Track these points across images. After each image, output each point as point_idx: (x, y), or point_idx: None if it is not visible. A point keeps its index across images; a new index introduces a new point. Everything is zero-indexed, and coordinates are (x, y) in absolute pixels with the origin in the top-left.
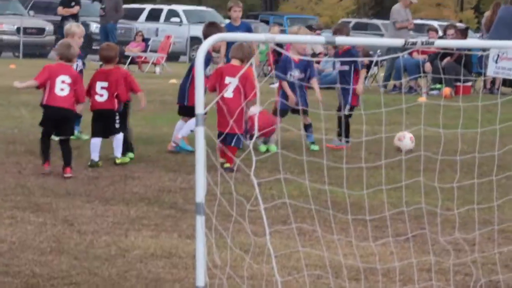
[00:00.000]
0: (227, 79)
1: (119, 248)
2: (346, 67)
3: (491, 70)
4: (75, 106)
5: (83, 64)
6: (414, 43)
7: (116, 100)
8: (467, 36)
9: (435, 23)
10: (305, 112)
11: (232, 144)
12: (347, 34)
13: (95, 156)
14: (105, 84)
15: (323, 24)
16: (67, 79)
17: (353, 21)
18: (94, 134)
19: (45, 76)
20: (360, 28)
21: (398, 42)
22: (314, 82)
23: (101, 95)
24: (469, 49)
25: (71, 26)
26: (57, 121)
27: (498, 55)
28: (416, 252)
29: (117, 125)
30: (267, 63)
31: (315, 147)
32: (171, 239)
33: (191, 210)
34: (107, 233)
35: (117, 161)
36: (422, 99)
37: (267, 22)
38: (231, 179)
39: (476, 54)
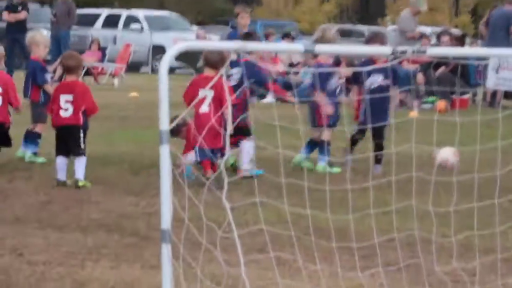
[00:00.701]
0: (201, 92)
1: (74, 281)
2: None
3: (492, 82)
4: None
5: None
6: (404, 52)
7: (81, 116)
8: (464, 44)
9: (428, 29)
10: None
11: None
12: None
13: (62, 176)
14: (70, 97)
15: (302, 31)
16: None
17: (335, 27)
18: (59, 152)
19: None
20: (344, 34)
21: (385, 50)
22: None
23: (66, 109)
24: (466, 58)
25: (35, 34)
26: None
27: (499, 65)
28: (409, 283)
29: (82, 145)
30: None
31: (334, 169)
32: (133, 270)
33: (156, 237)
34: (61, 264)
35: (80, 183)
36: (414, 113)
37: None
38: (200, 202)
39: (474, 63)
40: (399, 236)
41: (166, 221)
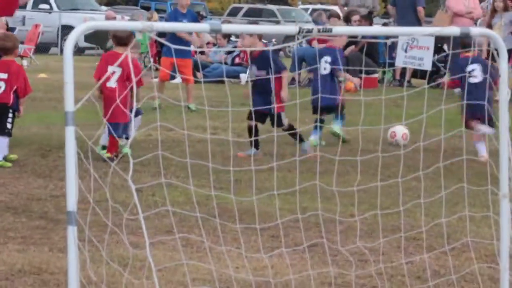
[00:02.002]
0: (110, 68)
1: None
2: (263, 72)
3: (400, 60)
4: None
5: None
6: (310, 30)
7: (12, 95)
8: (372, 22)
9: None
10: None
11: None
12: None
13: None
14: (5, 75)
15: (212, 11)
16: None
17: (246, 6)
18: None
19: None
20: (254, 14)
21: (292, 29)
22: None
23: None
24: (375, 37)
25: None
26: None
27: (408, 43)
28: (316, 263)
29: (8, 125)
30: (148, 55)
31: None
32: (41, 253)
33: (64, 220)
34: None
35: None
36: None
37: (148, 9)
38: (107, 185)
39: (382, 42)
40: (307, 217)
41: (71, 203)
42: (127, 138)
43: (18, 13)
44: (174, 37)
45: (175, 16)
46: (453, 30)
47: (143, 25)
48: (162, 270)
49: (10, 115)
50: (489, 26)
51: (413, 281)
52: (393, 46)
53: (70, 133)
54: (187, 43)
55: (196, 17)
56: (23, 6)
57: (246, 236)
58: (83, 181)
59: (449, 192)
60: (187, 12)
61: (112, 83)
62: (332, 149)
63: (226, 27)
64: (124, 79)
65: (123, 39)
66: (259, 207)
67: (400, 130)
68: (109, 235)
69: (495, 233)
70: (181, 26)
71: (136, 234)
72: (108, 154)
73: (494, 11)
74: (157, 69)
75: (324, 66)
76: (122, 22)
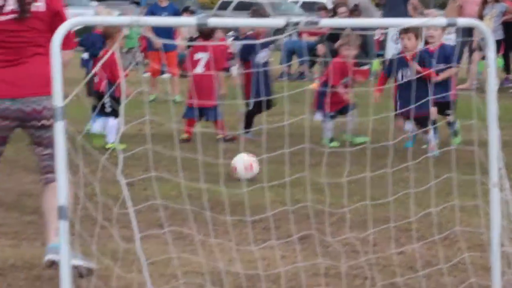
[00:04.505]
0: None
1: None
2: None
3: (390, 52)
4: None
5: None
6: (297, 23)
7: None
8: (360, 14)
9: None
10: None
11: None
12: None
13: None
14: None
15: (201, 4)
16: None
17: (235, 0)
18: None
19: None
20: (244, 8)
21: (279, 22)
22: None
23: None
24: (364, 29)
25: None
26: None
27: (398, 35)
28: (308, 255)
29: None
30: (138, 50)
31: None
32: (33, 248)
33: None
34: None
35: None
36: (315, 85)
37: (138, 4)
38: (98, 180)
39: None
40: (298, 209)
41: (62, 198)
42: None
43: None
44: (157, 30)
45: (152, 10)
46: (440, 21)
47: (131, 20)
48: (154, 263)
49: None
50: (480, 17)
51: (404, 271)
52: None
53: (59, 128)
54: (170, 35)
55: (178, 11)
56: None
57: (238, 229)
58: (75, 176)
59: (441, 182)
60: (168, 5)
61: (199, 69)
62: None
63: (212, 21)
64: (211, 64)
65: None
66: (251, 200)
67: (240, 162)
68: (101, 229)
69: (486, 222)
70: (168, 20)
71: (129, 228)
72: (184, 136)
73: (485, 2)
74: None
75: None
76: (110, 17)
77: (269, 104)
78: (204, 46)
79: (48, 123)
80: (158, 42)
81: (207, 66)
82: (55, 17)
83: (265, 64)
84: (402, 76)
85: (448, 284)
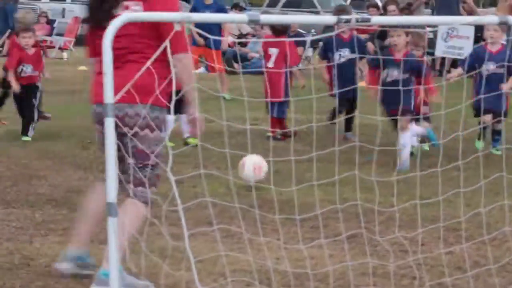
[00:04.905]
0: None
1: (23, 256)
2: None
3: (440, 50)
4: None
5: None
6: (348, 21)
7: None
8: (412, 12)
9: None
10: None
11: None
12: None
13: None
14: None
15: (250, 2)
16: None
17: None
18: None
19: None
20: (293, 5)
21: (331, 19)
22: None
23: None
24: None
25: None
26: None
27: (448, 33)
28: (356, 254)
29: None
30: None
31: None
32: None
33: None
34: (9, 239)
35: None
36: (363, 83)
37: (187, 1)
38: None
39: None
40: (346, 207)
41: (111, 195)
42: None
43: (58, 6)
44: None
45: (196, 7)
46: (492, 19)
47: (182, 16)
48: (202, 261)
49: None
50: None
51: (453, 272)
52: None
53: (110, 124)
54: (216, 33)
55: (223, 8)
56: None
57: (286, 227)
58: (123, 174)
59: (490, 182)
60: (212, 3)
61: (270, 64)
62: (372, 139)
63: (265, 18)
64: (282, 59)
65: (280, 29)
66: (299, 198)
67: (251, 161)
68: (149, 226)
69: None
70: (221, 17)
71: (177, 225)
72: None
73: None
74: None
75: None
76: (159, 13)
77: (353, 103)
78: (276, 42)
79: (131, 131)
80: (200, 39)
81: (277, 61)
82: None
83: (348, 63)
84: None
85: (497, 284)
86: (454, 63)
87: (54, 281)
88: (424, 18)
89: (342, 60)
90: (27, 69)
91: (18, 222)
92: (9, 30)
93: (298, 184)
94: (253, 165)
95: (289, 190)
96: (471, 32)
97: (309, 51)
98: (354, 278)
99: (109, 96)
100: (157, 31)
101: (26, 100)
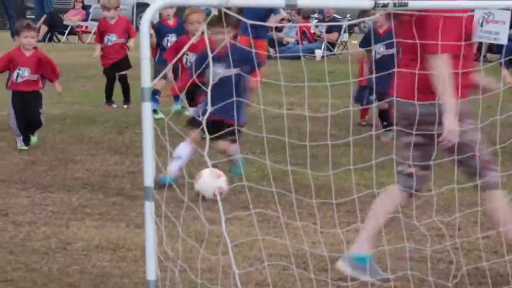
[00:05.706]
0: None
1: (59, 241)
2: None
3: (476, 35)
4: None
5: None
6: (385, 5)
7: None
8: None
9: None
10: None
11: None
12: None
13: None
14: None
15: None
16: None
17: None
18: None
19: None
20: None
21: (368, 3)
22: None
23: None
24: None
25: None
26: None
27: (484, 18)
28: (393, 238)
29: None
30: None
31: None
32: (118, 229)
33: (140, 196)
34: (46, 223)
35: None
36: None
37: None
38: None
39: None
40: (380, 191)
41: (148, 179)
42: None
43: None
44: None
45: None
46: None
47: (219, 1)
48: (238, 245)
49: None
50: None
51: (489, 256)
52: None
53: (146, 109)
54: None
55: None
56: None
57: (322, 212)
58: (160, 158)
59: None
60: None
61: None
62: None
63: (302, 2)
64: None
65: None
66: (336, 183)
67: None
68: (185, 211)
69: None
70: (258, 1)
71: (213, 210)
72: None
73: None
74: None
75: None
76: None
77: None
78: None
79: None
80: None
81: None
82: None
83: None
84: None
85: None
86: (491, 48)
87: (90, 265)
88: (460, 2)
89: (378, 56)
90: (24, 73)
91: (55, 207)
92: (44, 15)
93: (334, 169)
94: (211, 172)
95: (326, 175)
96: (507, 16)
97: (345, 36)
98: (390, 262)
99: (146, 81)
100: None
101: (30, 109)
